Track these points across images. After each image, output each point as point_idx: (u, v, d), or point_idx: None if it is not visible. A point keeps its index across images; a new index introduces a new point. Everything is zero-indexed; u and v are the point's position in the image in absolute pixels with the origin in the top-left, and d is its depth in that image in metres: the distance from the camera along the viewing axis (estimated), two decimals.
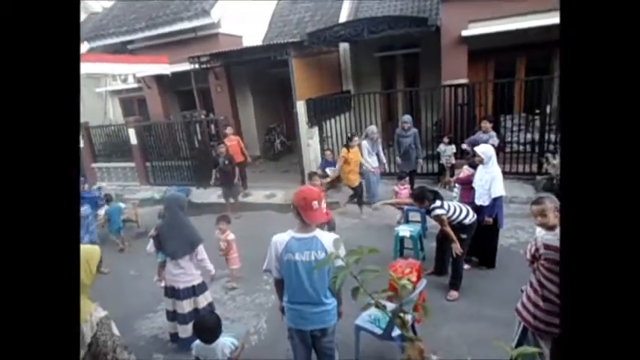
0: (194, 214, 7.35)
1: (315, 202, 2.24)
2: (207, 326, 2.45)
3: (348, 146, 6.21)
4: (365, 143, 6.37)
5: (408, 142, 6.59)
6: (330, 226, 5.07)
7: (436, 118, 8.01)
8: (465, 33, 7.23)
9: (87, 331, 1.71)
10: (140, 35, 9.85)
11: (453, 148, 6.90)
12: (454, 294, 3.91)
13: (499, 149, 6.21)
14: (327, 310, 2.39)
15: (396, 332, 2.81)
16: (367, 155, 6.35)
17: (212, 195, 8.45)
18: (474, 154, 4.40)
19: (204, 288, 3.48)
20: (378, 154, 6.54)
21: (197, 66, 8.62)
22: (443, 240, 4.08)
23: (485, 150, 4.15)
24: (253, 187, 8.45)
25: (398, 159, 6.89)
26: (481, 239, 4.17)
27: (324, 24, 9.54)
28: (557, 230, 2.88)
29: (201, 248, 3.35)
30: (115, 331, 1.86)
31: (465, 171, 4.80)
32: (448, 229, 3.75)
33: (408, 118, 6.67)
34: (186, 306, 3.36)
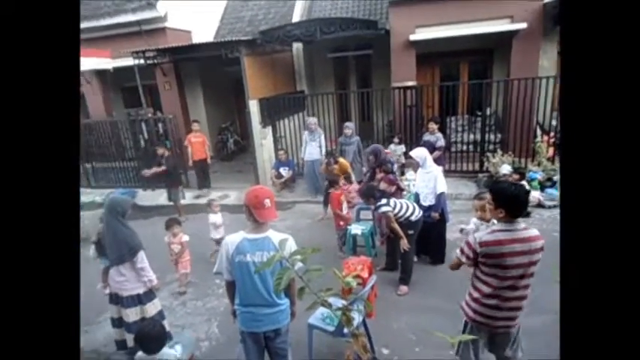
0: (142, 217, 7.00)
1: (267, 201, 2.23)
2: (150, 336, 2.33)
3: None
4: (305, 134, 6.92)
5: (352, 149, 6.51)
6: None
7: (387, 118, 8.26)
8: (412, 37, 7.52)
9: None
10: (80, 26, 9.15)
11: (402, 148, 7.16)
12: (404, 289, 4.06)
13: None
14: (280, 310, 2.38)
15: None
16: (306, 145, 6.91)
17: (160, 197, 8.07)
18: (379, 164, 4.72)
19: (152, 296, 3.30)
20: (320, 145, 6.93)
21: (142, 61, 8.20)
22: (392, 235, 4.23)
23: (419, 153, 4.33)
24: (200, 190, 8.19)
25: None
26: (429, 236, 4.36)
27: (277, 22, 9.48)
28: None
29: (141, 255, 3.13)
30: None
31: (382, 183, 4.62)
32: (395, 225, 3.89)
33: (349, 125, 6.64)
34: (131, 315, 3.17)
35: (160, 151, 6.77)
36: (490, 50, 8.30)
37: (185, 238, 4.39)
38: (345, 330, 2.83)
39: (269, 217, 2.27)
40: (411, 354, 3.21)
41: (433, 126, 6.34)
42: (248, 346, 2.46)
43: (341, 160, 6.03)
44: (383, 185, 4.56)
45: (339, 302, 1.29)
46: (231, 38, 7.78)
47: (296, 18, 9.72)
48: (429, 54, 8.04)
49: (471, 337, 1.63)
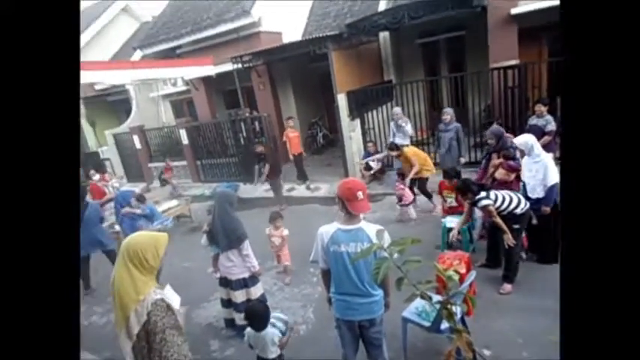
0: (243, 208, 7.66)
1: (360, 193, 2.26)
2: (256, 315, 2.57)
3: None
4: (392, 124, 6.84)
5: (448, 136, 6.20)
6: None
7: (484, 103, 7.62)
8: (514, 11, 6.77)
9: (142, 310, 1.86)
10: (187, 39, 10.33)
11: None
12: (507, 287, 3.73)
13: (557, 134, 5.77)
14: (374, 301, 2.40)
15: (445, 325, 2.75)
16: (391, 136, 6.88)
17: (258, 190, 8.72)
18: (503, 146, 4.16)
19: (256, 280, 3.62)
20: (406, 135, 6.89)
21: (240, 65, 8.89)
22: (494, 231, 3.90)
23: (524, 141, 3.87)
24: (297, 181, 8.60)
25: (438, 155, 6.66)
26: (540, 232, 3.92)
27: (362, 14, 9.39)
28: None
29: (246, 244, 3.46)
30: (180, 317, 1.99)
31: (500, 170, 4.34)
32: (498, 219, 3.57)
33: (448, 110, 6.33)
34: (239, 296, 3.53)
35: (259, 149, 7.33)
36: None
37: (285, 232, 4.60)
38: (442, 326, 2.74)
39: (362, 210, 2.29)
40: (517, 358, 2.95)
41: (541, 108, 5.65)
42: (343, 332, 2.54)
43: (406, 149, 5.93)
44: (500, 173, 4.22)
45: (436, 297, 1.26)
46: (318, 35, 7.97)
47: (382, 7, 9.50)
48: (533, 28, 7.15)
49: None
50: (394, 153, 5.94)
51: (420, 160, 5.86)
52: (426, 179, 5.96)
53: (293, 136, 8.27)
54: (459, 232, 4.03)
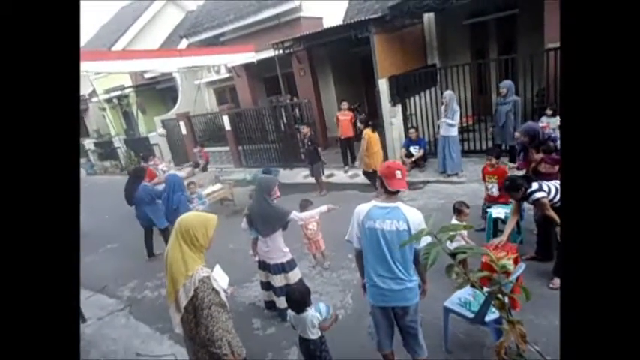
0: (282, 193, 7.80)
1: (398, 172, 2.37)
2: (295, 298, 2.63)
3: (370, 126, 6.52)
4: (442, 109, 6.65)
5: (505, 109, 6.15)
6: None
7: (537, 87, 7.13)
8: None
9: (189, 285, 1.97)
10: (230, 27, 10.51)
11: (557, 121, 6.10)
12: (558, 282, 3.53)
13: None
14: (408, 287, 2.37)
15: (489, 317, 2.66)
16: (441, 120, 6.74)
17: (298, 175, 8.84)
18: (536, 145, 4.00)
19: (294, 265, 3.68)
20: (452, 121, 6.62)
21: (281, 52, 8.92)
22: (546, 223, 3.68)
23: None
24: (337, 167, 8.59)
25: (491, 129, 6.58)
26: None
27: None
28: None
29: (278, 232, 3.53)
30: (222, 295, 2.09)
31: (544, 164, 4.13)
32: (551, 212, 3.35)
33: (505, 83, 6.25)
34: (277, 280, 3.62)
35: (305, 130, 7.40)
36: None
37: (324, 208, 4.57)
38: (487, 318, 2.65)
39: (399, 186, 2.37)
40: None
41: None
42: (377, 318, 2.54)
43: (367, 130, 6.41)
44: (544, 167, 4.01)
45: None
46: (359, 18, 7.79)
47: None
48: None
49: None
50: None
51: (371, 148, 6.36)
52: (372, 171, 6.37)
53: (344, 120, 8.23)
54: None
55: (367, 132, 6.45)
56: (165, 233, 5.55)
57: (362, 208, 2.43)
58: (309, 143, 7.28)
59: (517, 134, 6.01)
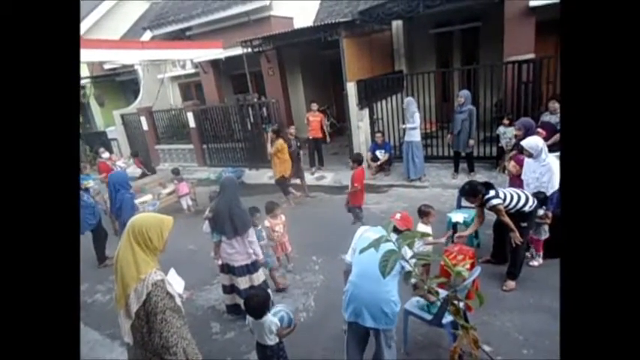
0: (246, 194, 7.66)
1: None
2: (253, 304, 2.56)
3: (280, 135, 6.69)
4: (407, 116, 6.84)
5: (461, 118, 6.41)
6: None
7: (496, 97, 7.48)
8: (533, 3, 6.58)
9: (142, 289, 1.87)
10: (197, 21, 10.20)
11: (513, 130, 6.42)
12: (511, 284, 3.70)
13: None
14: (389, 311, 2.32)
15: (447, 319, 2.73)
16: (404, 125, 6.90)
17: (264, 176, 8.71)
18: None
19: (258, 266, 3.61)
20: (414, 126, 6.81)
21: (249, 50, 8.78)
22: (501, 228, 3.85)
23: (534, 143, 3.78)
24: (304, 168, 8.55)
25: (449, 136, 6.80)
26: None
27: (376, 1, 9.19)
28: None
29: (251, 231, 3.47)
30: (177, 299, 1.99)
31: (512, 162, 4.38)
32: (506, 218, 3.50)
33: (463, 93, 6.48)
34: (242, 283, 3.54)
35: (291, 130, 7.32)
36: None
37: (283, 217, 4.45)
38: (444, 320, 2.72)
39: None
40: (517, 356, 2.94)
41: (555, 105, 5.54)
42: (350, 337, 2.56)
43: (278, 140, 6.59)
44: (512, 165, 4.22)
45: (442, 292, 1.23)
46: (330, 21, 7.82)
47: None
48: (551, 21, 6.93)
49: None
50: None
51: (282, 156, 6.61)
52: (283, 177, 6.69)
53: (314, 120, 8.24)
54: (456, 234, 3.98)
55: (280, 142, 6.61)
56: (97, 236, 5.51)
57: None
58: (298, 144, 7.20)
59: (471, 142, 6.40)
